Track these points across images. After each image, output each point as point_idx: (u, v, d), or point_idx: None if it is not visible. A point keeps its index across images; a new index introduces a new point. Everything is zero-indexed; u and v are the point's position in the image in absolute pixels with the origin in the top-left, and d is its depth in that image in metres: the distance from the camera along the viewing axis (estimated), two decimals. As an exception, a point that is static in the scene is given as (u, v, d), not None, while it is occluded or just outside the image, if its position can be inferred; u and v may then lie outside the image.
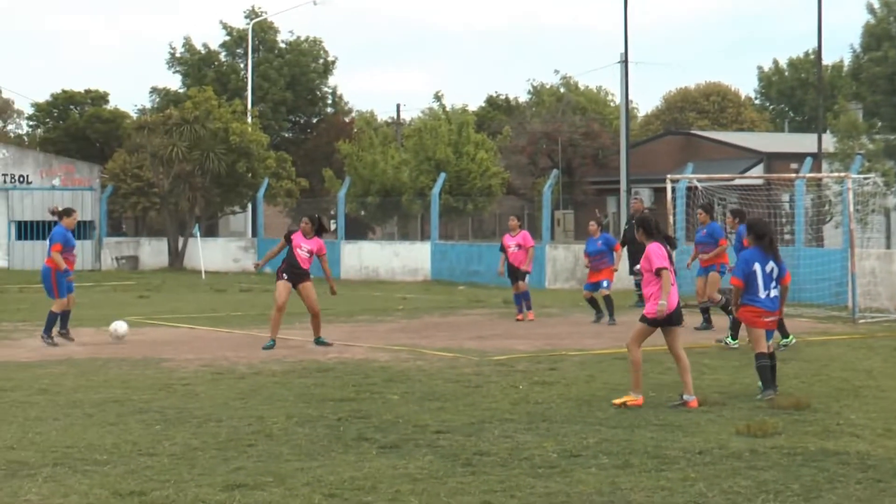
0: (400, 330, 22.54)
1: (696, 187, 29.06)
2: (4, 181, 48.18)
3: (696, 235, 21.76)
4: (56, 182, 49.00)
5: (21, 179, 48.48)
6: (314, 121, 71.80)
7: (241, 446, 10.77)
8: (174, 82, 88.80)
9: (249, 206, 55.64)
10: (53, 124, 68.39)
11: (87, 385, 14.87)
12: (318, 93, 71.43)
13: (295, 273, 19.46)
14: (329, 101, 72.36)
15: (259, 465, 9.90)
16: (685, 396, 13.08)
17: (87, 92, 70.14)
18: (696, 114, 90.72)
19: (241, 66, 69.00)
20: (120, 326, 20.05)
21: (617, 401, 13.10)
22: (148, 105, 70.92)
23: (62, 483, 9.25)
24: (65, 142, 64.29)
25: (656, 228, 13.49)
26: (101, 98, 69.42)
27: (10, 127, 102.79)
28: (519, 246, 24.46)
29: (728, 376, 15.17)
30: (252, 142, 49.66)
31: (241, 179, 50.14)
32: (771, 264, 13.78)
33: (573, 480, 9.35)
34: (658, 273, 13.10)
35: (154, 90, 71.07)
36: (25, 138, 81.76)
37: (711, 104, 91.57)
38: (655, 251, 13.21)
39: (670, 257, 13.37)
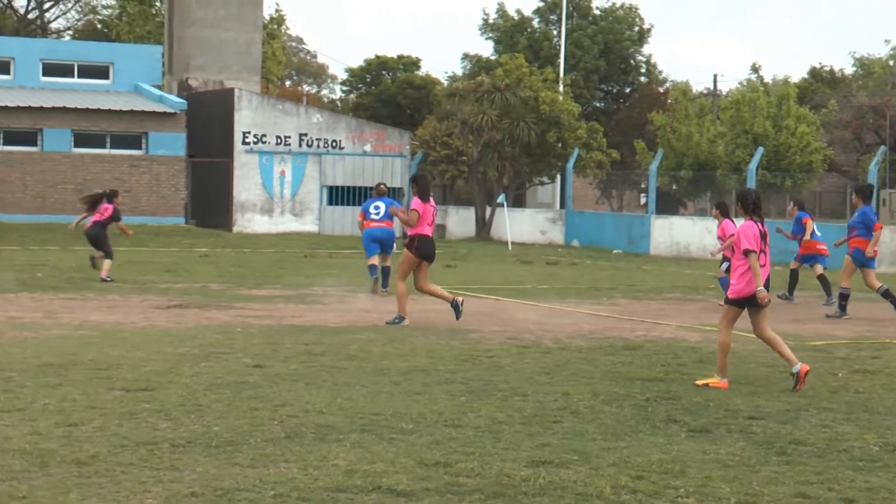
0: (711, 310, 22.23)
1: None
2: (318, 146, 49.70)
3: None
4: (367, 148, 50.29)
5: (334, 144, 49.91)
6: (627, 90, 71.48)
7: (546, 422, 10.85)
8: (486, 49, 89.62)
9: (558, 176, 55.89)
10: (366, 90, 70.34)
11: (394, 353, 15.26)
12: (632, 61, 71.06)
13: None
14: (643, 71, 71.89)
15: (564, 443, 9.95)
16: (794, 369, 13.00)
17: (400, 58, 71.83)
18: None
19: (555, 33, 69.26)
20: None
21: (700, 381, 13.18)
22: (459, 72, 72.07)
23: (369, 450, 9.52)
24: (376, 107, 66.02)
25: (754, 205, 13.39)
26: (413, 64, 70.99)
27: (324, 91, 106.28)
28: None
29: None
30: (563, 111, 49.84)
31: (551, 149, 50.41)
32: None
33: (896, 477, 9.04)
34: (746, 254, 13.14)
35: (466, 56, 72.17)
36: (338, 103, 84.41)
37: None
38: (744, 230, 13.23)
39: (763, 237, 13.29)
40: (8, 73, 49.82)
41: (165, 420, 10.55)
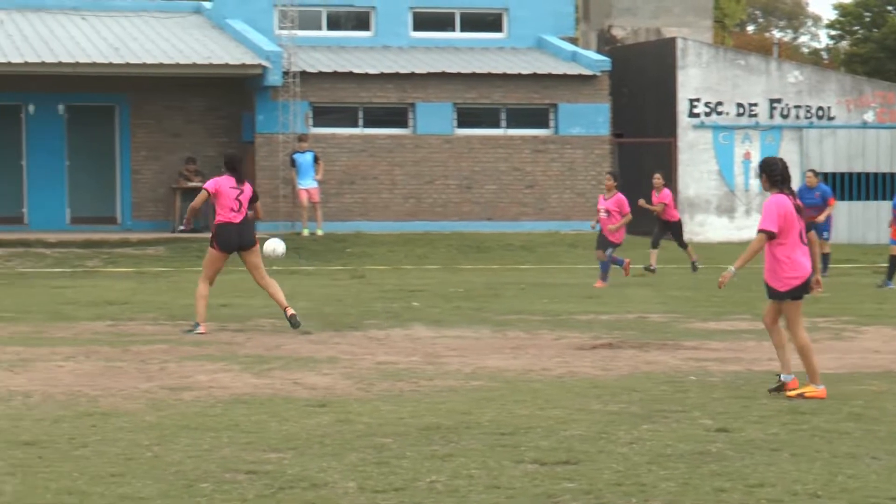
0: None
1: None
2: (797, 116, 49.05)
3: None
4: (868, 117, 49.45)
5: (819, 113, 49.23)
6: None
7: None
8: None
9: None
10: (864, 34, 69.31)
11: (920, 410, 14.99)
12: None
13: None
14: None
15: None
16: (783, 377, 15.91)
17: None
18: None
19: None
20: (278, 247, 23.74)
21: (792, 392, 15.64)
22: None
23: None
24: (880, 59, 64.98)
25: (781, 175, 15.53)
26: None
27: (802, 38, 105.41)
28: None
29: None
30: None
31: None
32: None
33: None
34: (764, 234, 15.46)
35: None
36: (824, 55, 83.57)
37: None
38: (768, 206, 15.44)
39: (800, 211, 15.54)
40: (367, 28, 50.78)
41: (596, 505, 10.66)
